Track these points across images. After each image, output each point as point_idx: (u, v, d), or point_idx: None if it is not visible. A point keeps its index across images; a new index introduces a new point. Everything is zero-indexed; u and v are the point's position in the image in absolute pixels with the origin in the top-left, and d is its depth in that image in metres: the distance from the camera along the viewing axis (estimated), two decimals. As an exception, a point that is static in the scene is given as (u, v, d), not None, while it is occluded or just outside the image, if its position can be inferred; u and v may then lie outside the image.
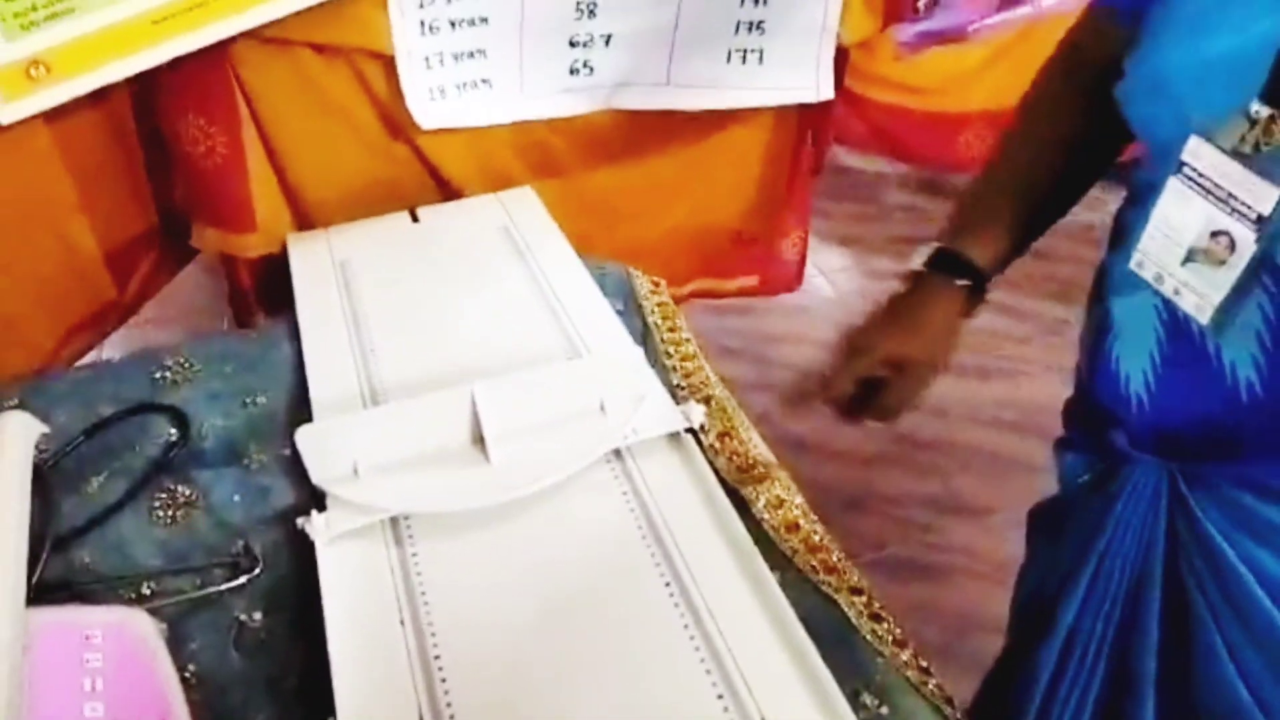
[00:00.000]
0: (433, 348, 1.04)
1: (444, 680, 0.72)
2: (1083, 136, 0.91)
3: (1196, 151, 0.72)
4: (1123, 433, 0.87)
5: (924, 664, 0.76)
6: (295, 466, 0.90)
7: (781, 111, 1.45)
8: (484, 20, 1.22)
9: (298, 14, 1.10)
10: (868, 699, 0.73)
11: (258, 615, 0.80)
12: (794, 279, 1.79)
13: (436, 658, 0.74)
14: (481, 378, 0.94)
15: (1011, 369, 2.33)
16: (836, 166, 2.78)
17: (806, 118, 1.52)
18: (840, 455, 2.13)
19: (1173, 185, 0.75)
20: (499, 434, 0.89)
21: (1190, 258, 0.75)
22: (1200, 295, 0.75)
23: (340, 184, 1.31)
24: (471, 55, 1.25)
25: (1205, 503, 0.82)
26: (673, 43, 1.33)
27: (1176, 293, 0.77)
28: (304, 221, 1.32)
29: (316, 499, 0.86)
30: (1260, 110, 0.69)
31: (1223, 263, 0.73)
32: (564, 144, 1.41)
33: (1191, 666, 0.89)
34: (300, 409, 0.98)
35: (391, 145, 1.30)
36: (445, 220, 1.28)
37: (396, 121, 1.26)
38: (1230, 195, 0.71)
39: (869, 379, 0.91)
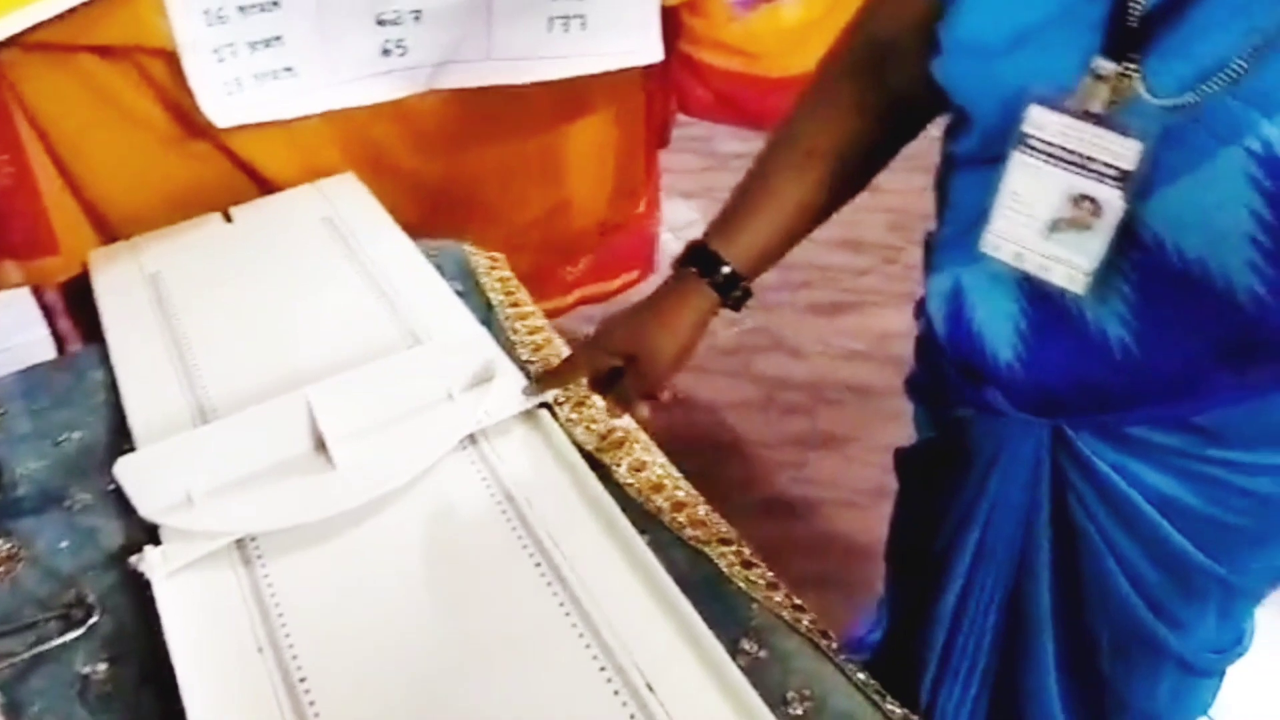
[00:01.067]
0: (262, 356, 0.97)
1: (313, 704, 0.68)
2: (864, 128, 0.86)
3: (1040, 121, 0.69)
4: (997, 392, 0.86)
5: (797, 602, 0.76)
6: (123, 502, 0.83)
7: (622, 86, 1.42)
8: (275, 4, 1.15)
9: (67, 17, 1.01)
10: (747, 645, 0.73)
11: (102, 666, 0.74)
12: (653, 258, 1.79)
13: (302, 680, 0.69)
14: (318, 381, 0.89)
15: (857, 301, 2.39)
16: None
17: (650, 88, 1.49)
18: (707, 405, 2.15)
19: (1017, 160, 0.72)
20: (341, 437, 0.84)
21: (1054, 229, 0.72)
22: (1071, 266, 0.72)
23: (144, 192, 1.21)
24: (268, 43, 1.17)
25: (1088, 436, 0.83)
26: (489, 15, 1.28)
27: (1043, 269, 0.74)
28: (110, 236, 1.22)
29: (151, 533, 0.80)
30: (1105, 65, 0.66)
31: (1088, 228, 0.70)
32: (393, 134, 1.34)
33: (1086, 597, 0.92)
34: (121, 439, 0.91)
35: (193, 145, 1.21)
36: (261, 217, 1.21)
37: (195, 120, 1.18)
38: (1087, 158, 0.68)
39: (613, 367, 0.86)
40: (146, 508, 0.80)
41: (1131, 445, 0.81)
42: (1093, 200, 0.69)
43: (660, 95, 1.53)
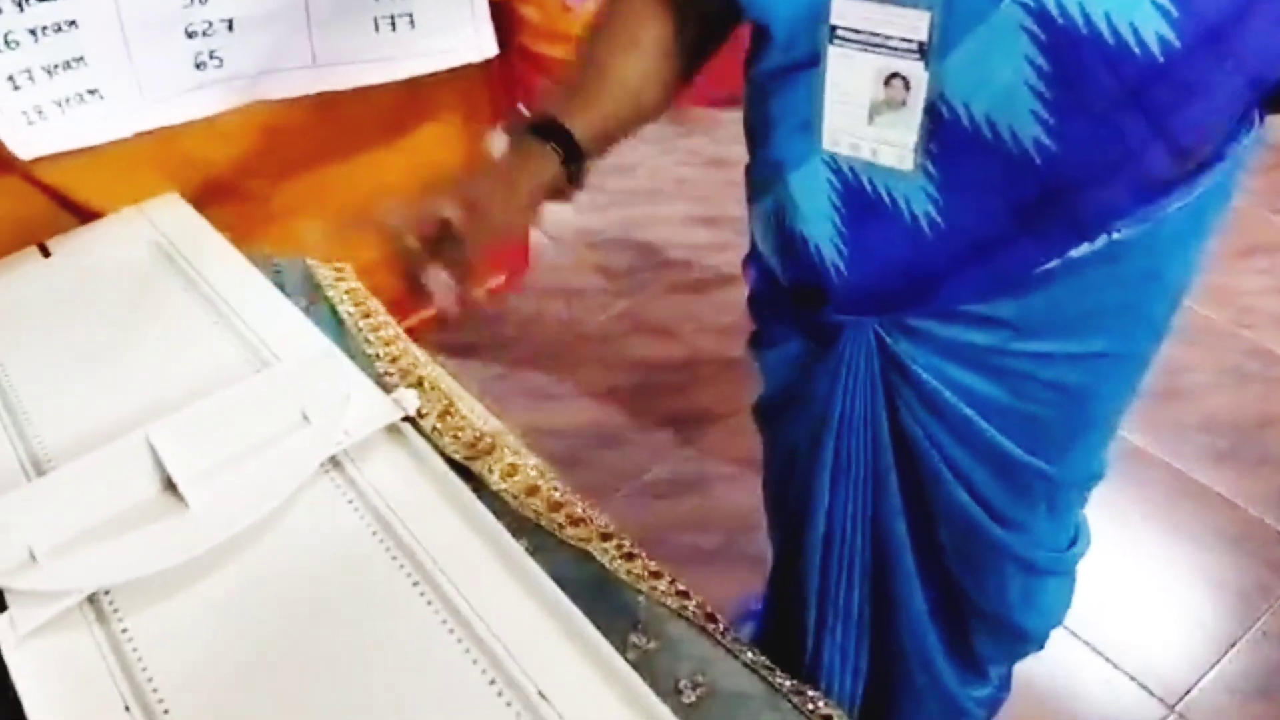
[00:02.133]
0: (96, 397, 0.92)
1: (187, 759, 0.65)
2: (676, 29, 0.90)
3: (842, 10, 0.76)
4: (830, 305, 0.92)
5: (681, 588, 0.77)
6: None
7: (467, 86, 1.38)
8: (71, 24, 1.08)
9: None
10: (636, 639, 0.73)
11: (-48, 747, 0.70)
12: (526, 257, 1.77)
13: (175, 737, 0.67)
14: (161, 415, 0.85)
15: (720, 276, 2.43)
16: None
17: (492, 86, 1.47)
18: (586, 396, 2.15)
19: (833, 53, 0.78)
20: (191, 475, 0.80)
21: (874, 113, 0.78)
22: (897, 144, 0.79)
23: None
24: (69, 65, 1.10)
25: (905, 343, 0.90)
26: (308, 18, 1.23)
27: (874, 153, 0.80)
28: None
29: (-4, 599, 0.76)
30: None
31: (904, 104, 0.77)
32: (217, 150, 1.27)
33: (932, 507, 0.99)
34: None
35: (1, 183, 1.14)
36: (82, 248, 1.14)
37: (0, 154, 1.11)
38: (888, 37, 0.75)
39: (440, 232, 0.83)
40: (-14, 573, 0.76)
41: (943, 346, 0.89)
42: (902, 77, 0.76)
43: (505, 92, 1.51)
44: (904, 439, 0.96)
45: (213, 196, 1.27)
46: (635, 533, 1.90)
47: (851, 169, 0.84)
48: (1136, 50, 0.69)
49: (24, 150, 1.10)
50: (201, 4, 1.16)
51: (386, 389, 0.93)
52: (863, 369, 0.94)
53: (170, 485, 0.81)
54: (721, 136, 2.77)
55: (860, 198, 0.84)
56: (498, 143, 0.84)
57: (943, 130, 0.77)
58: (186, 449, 0.81)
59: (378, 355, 0.99)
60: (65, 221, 1.20)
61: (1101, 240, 0.79)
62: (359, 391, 0.89)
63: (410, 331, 1.61)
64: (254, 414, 0.85)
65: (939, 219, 0.82)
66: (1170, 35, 0.69)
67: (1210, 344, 2.23)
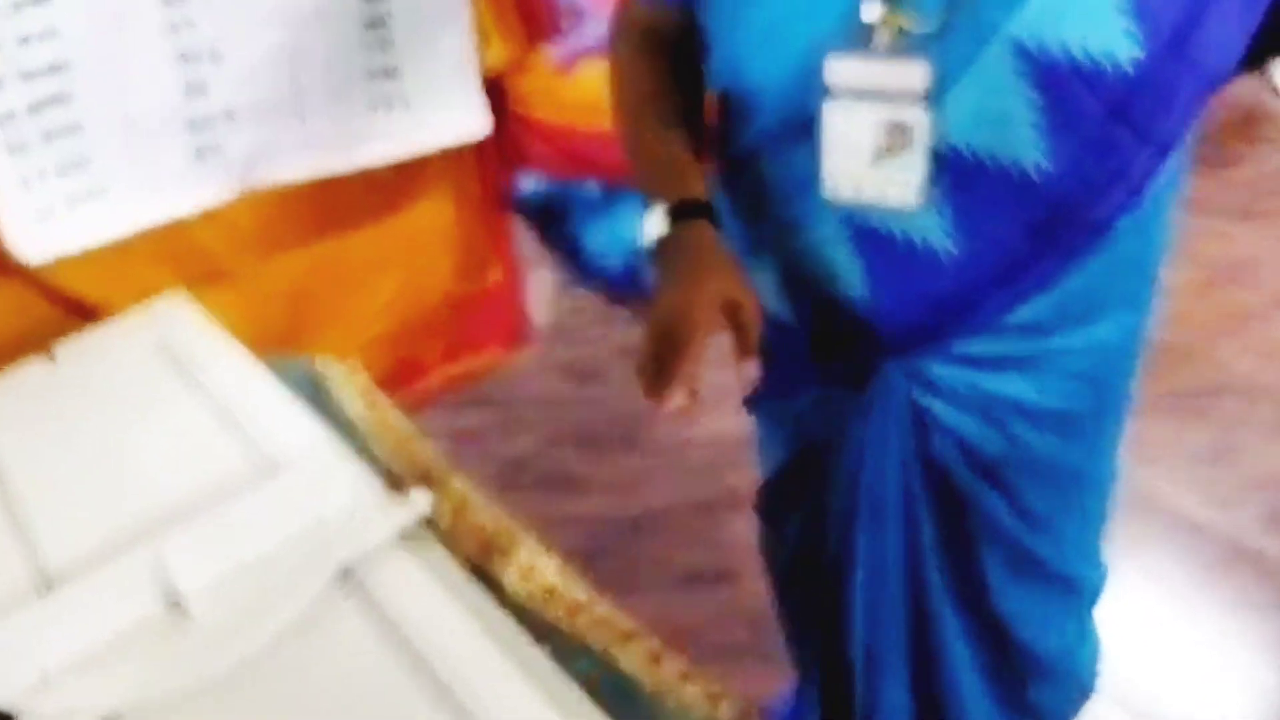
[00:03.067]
0: (104, 508, 0.94)
1: None
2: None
3: (838, 69, 0.84)
4: (867, 348, 0.98)
5: (713, 690, 0.78)
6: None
7: (456, 156, 1.44)
8: (79, 127, 1.14)
9: None
10: (665, 747, 0.74)
11: None
12: (530, 327, 1.80)
13: None
14: (170, 528, 0.87)
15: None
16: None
17: (485, 155, 1.52)
18: (610, 484, 2.16)
19: (830, 109, 0.86)
20: (200, 591, 0.82)
21: (876, 158, 0.86)
22: (902, 184, 0.86)
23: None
24: (77, 165, 1.16)
25: (937, 365, 0.97)
26: (303, 105, 1.29)
27: (880, 195, 0.88)
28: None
29: (6, 724, 0.77)
30: (874, 9, 0.83)
31: (907, 148, 0.85)
32: (218, 238, 1.33)
33: (973, 544, 1.06)
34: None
35: (6, 287, 1.18)
36: (88, 352, 1.18)
37: (6, 261, 1.15)
38: (886, 90, 0.83)
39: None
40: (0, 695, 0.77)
41: (973, 360, 0.97)
42: (903, 124, 0.84)
43: (497, 160, 1.55)
44: (935, 469, 1.02)
45: (210, 280, 1.32)
46: (663, 628, 1.90)
47: (865, 215, 0.91)
48: (1111, 70, 0.80)
49: (34, 253, 1.15)
50: (202, 95, 1.22)
51: (398, 488, 0.94)
52: (896, 400, 1.00)
53: (180, 601, 0.82)
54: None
55: (878, 241, 0.92)
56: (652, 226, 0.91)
57: (947, 167, 0.86)
58: (195, 563, 0.83)
59: (388, 455, 1.01)
60: (68, 325, 1.24)
61: (1102, 239, 0.90)
62: (370, 496, 0.91)
63: (428, 398, 1.66)
64: (263, 524, 0.87)
65: (955, 251, 0.89)
66: (1138, 52, 0.79)
67: (1258, 401, 2.22)
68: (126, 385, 1.11)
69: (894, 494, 1.03)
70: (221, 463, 0.98)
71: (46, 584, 0.88)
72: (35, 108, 1.10)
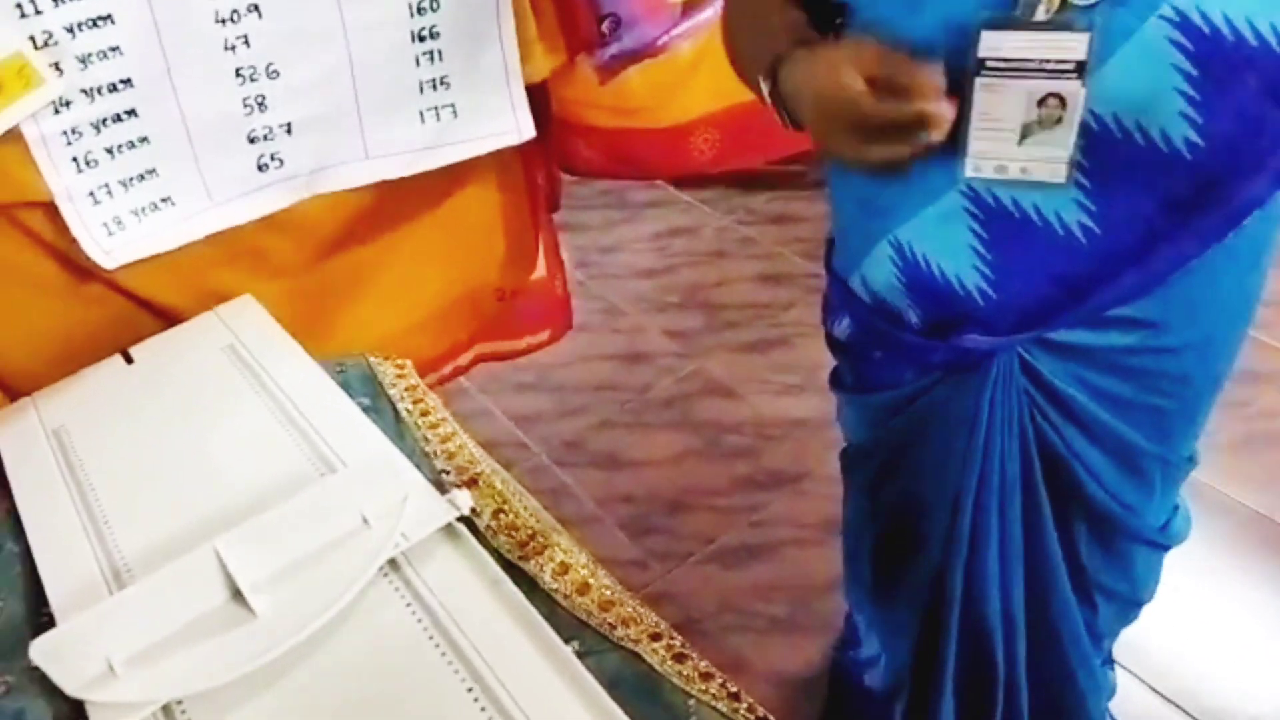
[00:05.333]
0: (172, 503, 0.98)
1: None
2: None
3: (994, 43, 0.79)
4: (973, 329, 0.95)
5: (733, 689, 0.79)
6: (49, 679, 0.83)
7: (502, 158, 1.45)
8: (144, 140, 1.16)
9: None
10: (686, 743, 0.75)
11: None
12: (569, 317, 1.82)
13: (243, 846, 0.70)
14: (230, 523, 0.90)
15: (783, 335, 2.44)
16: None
17: (529, 157, 1.53)
18: (652, 462, 2.17)
19: (981, 84, 0.81)
20: (257, 584, 0.85)
21: (1026, 134, 0.82)
22: (1050, 160, 0.82)
23: (41, 345, 1.22)
24: (142, 178, 1.18)
25: (1046, 356, 0.95)
26: (359, 117, 1.31)
27: (1025, 171, 0.84)
28: (13, 395, 1.22)
29: (79, 708, 0.81)
30: None
31: (1058, 122, 0.81)
32: (281, 242, 1.36)
33: (1069, 509, 1.06)
34: (43, 609, 0.91)
35: (83, 289, 1.22)
36: (162, 354, 1.21)
37: (83, 264, 1.19)
38: (1043, 62, 0.79)
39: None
40: (70, 685, 0.81)
41: (1083, 354, 0.94)
42: (1058, 95, 0.79)
43: (541, 161, 1.56)
44: (1045, 447, 1.01)
45: (274, 283, 1.35)
46: (705, 600, 1.90)
47: (992, 193, 0.87)
48: (1275, 45, 0.75)
49: (106, 260, 1.18)
50: (261, 111, 1.24)
51: (443, 488, 0.97)
52: (1007, 388, 0.98)
53: (238, 594, 0.85)
54: (780, 194, 2.82)
55: (1004, 219, 0.88)
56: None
57: (1093, 140, 0.81)
58: (253, 559, 0.86)
59: (435, 453, 1.03)
60: (143, 324, 1.28)
61: (1239, 226, 0.85)
62: (416, 493, 0.93)
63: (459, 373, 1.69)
64: (316, 520, 0.90)
65: (1095, 226, 0.85)
66: None
67: (1304, 385, 2.16)
68: (197, 386, 1.15)
69: (1015, 471, 1.03)
70: (283, 462, 1.01)
71: (117, 577, 0.91)
72: (99, 124, 1.12)
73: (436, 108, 1.35)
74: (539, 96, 1.45)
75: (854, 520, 1.27)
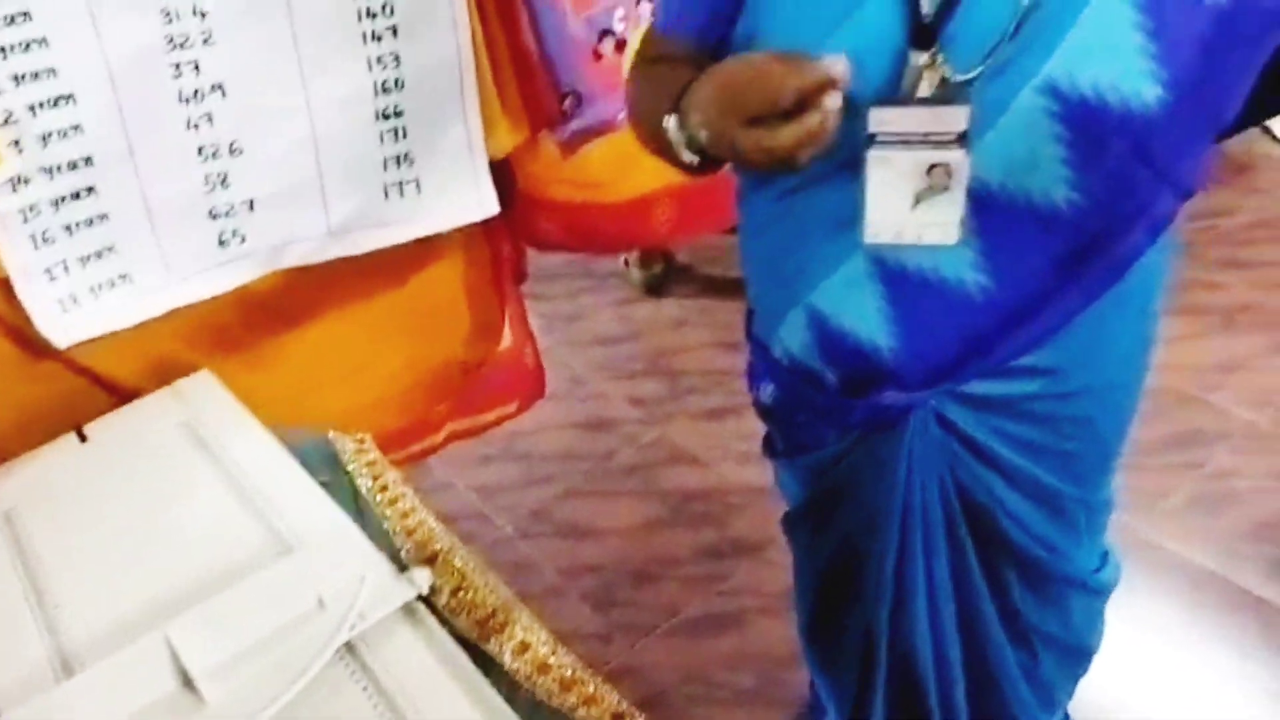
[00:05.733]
0: (125, 586, 0.95)
1: None
2: None
3: (882, 119, 0.84)
4: (888, 387, 0.99)
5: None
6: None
7: (465, 232, 1.46)
8: (104, 217, 1.16)
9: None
10: (649, 829, 0.73)
11: None
12: (540, 386, 1.81)
13: None
14: (184, 606, 0.88)
15: (744, 402, 2.42)
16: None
17: (493, 231, 1.54)
18: (617, 531, 2.16)
19: (874, 157, 0.86)
20: (208, 670, 0.82)
21: (919, 200, 0.86)
22: (941, 223, 0.87)
23: (-3, 423, 1.20)
24: (100, 255, 1.18)
25: (958, 408, 1.00)
26: (323, 193, 1.31)
27: (919, 236, 0.88)
28: (-41, 473, 1.19)
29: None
30: (919, 56, 0.84)
31: (946, 189, 0.86)
32: (241, 317, 1.35)
33: (997, 557, 1.09)
34: (-11, 698, 0.88)
35: (37, 365, 1.20)
36: (117, 432, 1.19)
37: (35, 341, 1.17)
38: (928, 134, 0.83)
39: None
40: (14, 781, 0.78)
41: (994, 404, 0.99)
42: (944, 165, 0.84)
43: (506, 234, 1.57)
44: (965, 496, 1.04)
45: (234, 359, 1.34)
46: (672, 672, 1.88)
47: (895, 257, 0.92)
48: (1136, 109, 0.81)
49: (60, 338, 1.17)
50: (223, 187, 1.24)
51: (402, 566, 0.95)
52: (925, 441, 1.02)
53: (189, 682, 0.83)
54: (738, 261, 2.82)
55: (908, 282, 0.93)
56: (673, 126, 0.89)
57: (982, 204, 0.87)
58: (205, 644, 0.84)
59: (394, 530, 1.02)
60: (99, 400, 1.26)
61: (1122, 276, 0.91)
62: (374, 573, 0.91)
63: (435, 450, 1.67)
64: (271, 603, 0.88)
65: (991, 284, 0.91)
66: (1161, 92, 0.81)
67: (1255, 448, 2.19)
68: (152, 465, 1.13)
69: (938, 522, 1.06)
70: (238, 542, 0.99)
71: (65, 666, 0.89)
72: (58, 202, 1.12)
73: (401, 183, 1.36)
74: (503, 171, 1.46)
75: (798, 582, 1.30)
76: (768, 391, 1.15)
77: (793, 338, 1.04)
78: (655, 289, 2.87)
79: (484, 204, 1.41)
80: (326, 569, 0.91)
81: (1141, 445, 2.25)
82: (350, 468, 1.11)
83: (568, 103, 1.51)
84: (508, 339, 1.69)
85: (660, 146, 0.93)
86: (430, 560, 0.97)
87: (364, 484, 1.08)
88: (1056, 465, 1.04)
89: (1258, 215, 2.88)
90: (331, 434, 1.17)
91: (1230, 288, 2.65)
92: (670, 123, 0.88)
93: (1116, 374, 1.03)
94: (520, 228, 1.63)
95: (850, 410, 1.04)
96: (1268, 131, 3.26)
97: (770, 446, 1.22)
